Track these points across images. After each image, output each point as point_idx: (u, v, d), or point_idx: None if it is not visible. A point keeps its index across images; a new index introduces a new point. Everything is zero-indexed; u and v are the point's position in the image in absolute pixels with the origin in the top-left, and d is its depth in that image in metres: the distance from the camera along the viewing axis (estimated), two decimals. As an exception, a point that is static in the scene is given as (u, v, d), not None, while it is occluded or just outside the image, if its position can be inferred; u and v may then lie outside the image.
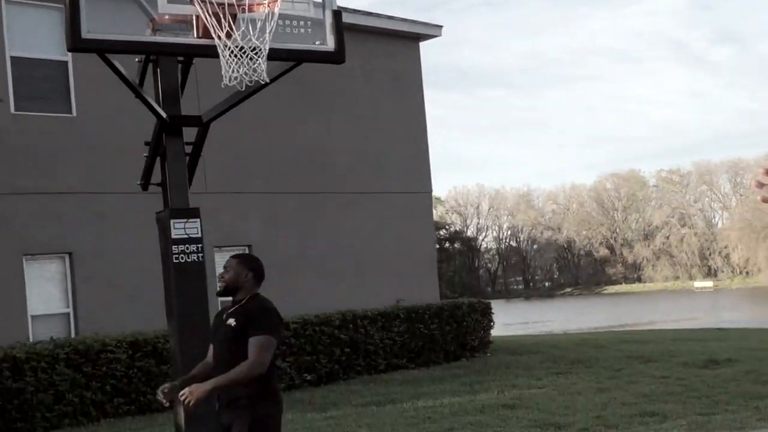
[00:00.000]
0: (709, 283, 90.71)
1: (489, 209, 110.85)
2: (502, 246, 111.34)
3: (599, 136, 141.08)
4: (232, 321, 5.01)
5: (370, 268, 17.28)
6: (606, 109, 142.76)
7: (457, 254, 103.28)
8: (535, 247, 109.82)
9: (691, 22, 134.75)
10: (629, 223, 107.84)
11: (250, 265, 5.20)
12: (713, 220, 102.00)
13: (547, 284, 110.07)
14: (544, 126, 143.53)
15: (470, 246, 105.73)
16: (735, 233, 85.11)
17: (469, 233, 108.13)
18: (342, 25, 7.62)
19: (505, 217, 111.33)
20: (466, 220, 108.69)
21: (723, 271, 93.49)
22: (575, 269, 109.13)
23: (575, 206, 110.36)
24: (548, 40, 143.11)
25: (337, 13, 7.59)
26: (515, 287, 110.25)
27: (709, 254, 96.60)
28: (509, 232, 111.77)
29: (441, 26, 18.79)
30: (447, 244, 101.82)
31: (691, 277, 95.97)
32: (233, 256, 5.33)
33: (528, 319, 55.53)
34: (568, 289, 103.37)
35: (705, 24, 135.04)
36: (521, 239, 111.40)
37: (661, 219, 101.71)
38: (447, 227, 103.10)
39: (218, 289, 5.21)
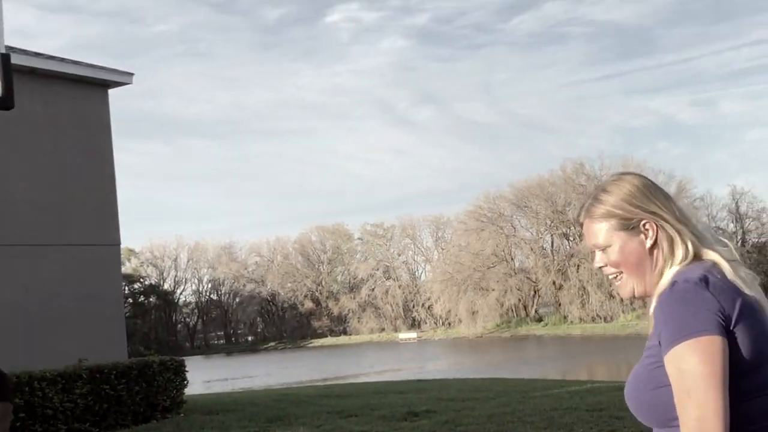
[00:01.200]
0: (413, 335, 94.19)
1: (188, 261, 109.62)
2: (203, 299, 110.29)
3: (305, 190, 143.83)
4: None
5: (50, 325, 16.61)
6: (313, 163, 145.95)
7: (154, 309, 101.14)
8: (237, 300, 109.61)
9: (395, 83, 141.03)
10: (335, 276, 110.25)
11: None
12: (417, 273, 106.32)
13: (250, 338, 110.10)
14: (248, 178, 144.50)
15: (167, 300, 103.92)
16: (437, 285, 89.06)
17: (166, 286, 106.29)
18: (11, 69, 7.24)
19: (206, 270, 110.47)
20: (163, 273, 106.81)
21: (426, 323, 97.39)
22: (280, 322, 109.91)
23: (280, 258, 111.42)
24: (255, 94, 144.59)
25: (6, 57, 7.19)
26: (216, 342, 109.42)
27: (413, 306, 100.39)
28: (210, 285, 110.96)
29: (132, 74, 18.55)
30: (142, 298, 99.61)
31: (396, 329, 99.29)
32: None
33: (229, 375, 55.16)
34: (273, 343, 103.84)
35: (407, 85, 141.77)
36: (222, 292, 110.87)
37: (366, 272, 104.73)
38: (142, 280, 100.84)
39: None
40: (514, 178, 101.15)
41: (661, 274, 2.47)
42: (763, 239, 79.17)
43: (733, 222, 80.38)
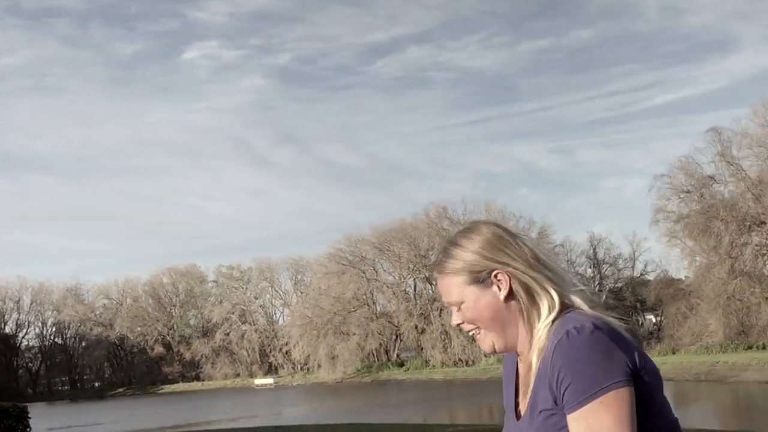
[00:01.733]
0: (270, 380, 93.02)
1: (32, 304, 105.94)
2: (46, 343, 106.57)
3: (157, 230, 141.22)
4: None
5: None
6: (166, 203, 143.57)
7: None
8: (83, 344, 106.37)
9: (254, 122, 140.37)
10: (187, 320, 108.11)
11: None
12: (274, 317, 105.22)
13: (97, 384, 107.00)
14: (98, 218, 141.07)
15: (8, 344, 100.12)
16: (296, 329, 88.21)
17: (7, 330, 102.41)
18: None
19: (50, 312, 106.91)
20: (4, 316, 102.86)
21: (284, 368, 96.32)
22: (129, 368, 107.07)
23: (129, 301, 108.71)
24: (107, 131, 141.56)
25: None
26: (61, 388, 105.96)
27: (270, 351, 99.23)
28: (54, 329, 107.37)
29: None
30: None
31: (252, 374, 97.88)
32: None
33: (74, 422, 53.16)
34: (121, 389, 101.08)
35: (267, 125, 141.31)
36: (68, 336, 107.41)
37: (221, 315, 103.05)
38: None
39: None
40: (376, 222, 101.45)
41: (532, 326, 2.38)
42: (619, 284, 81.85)
43: (591, 267, 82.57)
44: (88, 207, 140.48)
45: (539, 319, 2.36)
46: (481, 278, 2.41)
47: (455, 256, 2.45)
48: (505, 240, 2.43)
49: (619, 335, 2.26)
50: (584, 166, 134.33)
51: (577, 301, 2.37)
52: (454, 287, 2.44)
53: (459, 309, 2.46)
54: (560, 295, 2.37)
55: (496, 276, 2.39)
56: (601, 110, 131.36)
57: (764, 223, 58.27)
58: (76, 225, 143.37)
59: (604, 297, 2.46)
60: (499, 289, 2.39)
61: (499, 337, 2.43)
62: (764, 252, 59.97)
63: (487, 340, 2.44)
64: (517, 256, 2.40)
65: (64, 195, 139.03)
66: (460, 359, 77.59)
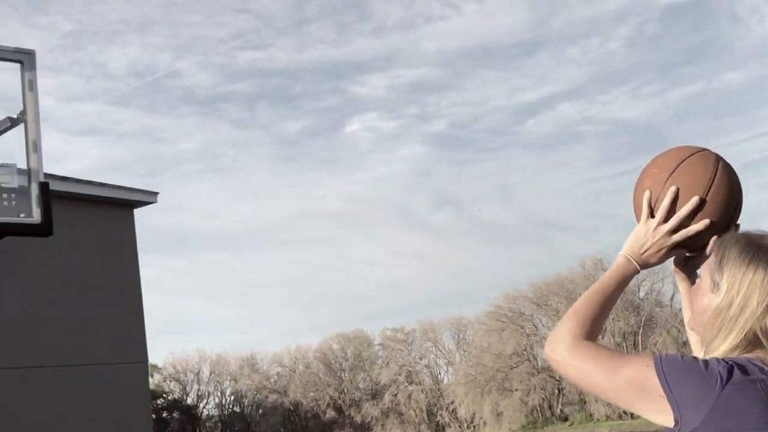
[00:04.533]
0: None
1: (211, 375, 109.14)
2: (225, 412, 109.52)
3: (325, 298, 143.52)
4: None
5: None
6: (332, 271, 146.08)
7: (177, 424, 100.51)
8: (260, 411, 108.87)
9: (413, 188, 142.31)
10: (357, 383, 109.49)
11: None
12: (439, 376, 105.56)
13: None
14: (269, 288, 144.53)
15: (191, 414, 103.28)
16: (461, 388, 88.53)
17: (189, 401, 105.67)
18: (50, 198, 7.66)
19: (228, 383, 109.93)
20: (185, 388, 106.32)
21: (451, 426, 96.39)
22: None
23: (301, 368, 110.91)
24: (275, 205, 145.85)
25: (45, 185, 7.62)
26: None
27: (437, 410, 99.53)
28: (232, 398, 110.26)
29: (157, 193, 19.00)
30: (165, 414, 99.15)
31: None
32: None
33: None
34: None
35: (426, 189, 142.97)
36: (245, 404, 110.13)
37: (388, 377, 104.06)
38: (165, 396, 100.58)
39: None
40: (532, 277, 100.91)
41: None
42: None
43: None
44: (260, 279, 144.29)
45: None
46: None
47: None
48: None
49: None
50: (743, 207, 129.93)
51: None
52: None
53: None
54: None
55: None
56: (754, 151, 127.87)
57: None
58: (249, 296, 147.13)
59: None
60: None
61: None
62: None
63: None
64: None
65: (237, 268, 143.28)
66: (624, 412, 76.29)
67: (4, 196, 7.49)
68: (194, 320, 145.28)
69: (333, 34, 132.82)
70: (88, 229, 17.76)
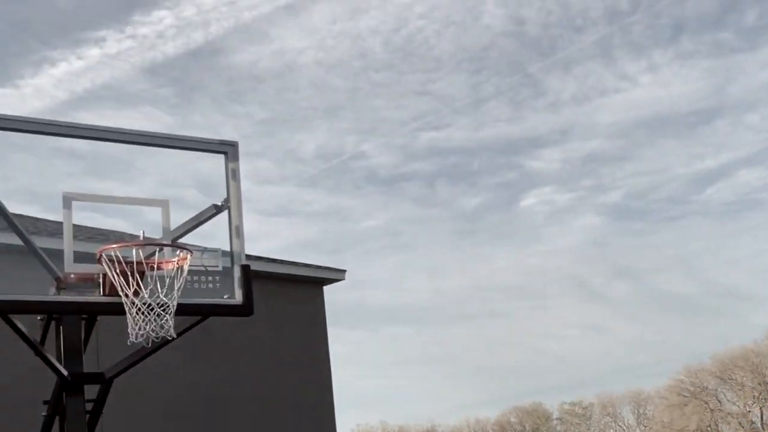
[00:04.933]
0: None
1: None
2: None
3: (502, 370, 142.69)
4: None
5: None
6: (509, 343, 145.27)
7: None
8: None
9: (588, 259, 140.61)
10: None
11: None
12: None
13: None
14: (448, 361, 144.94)
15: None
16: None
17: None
18: (250, 279, 8.00)
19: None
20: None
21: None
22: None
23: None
24: (453, 279, 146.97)
25: (246, 268, 7.99)
26: None
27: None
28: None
29: (344, 270, 19.50)
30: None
31: None
32: None
33: None
34: None
35: (601, 261, 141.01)
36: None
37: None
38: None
39: None
40: (715, 349, 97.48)
41: None
42: None
43: None
44: (439, 352, 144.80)
45: None
46: None
47: None
48: None
49: None
50: None
51: None
52: None
53: None
54: None
55: None
56: None
57: None
58: (429, 369, 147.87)
59: None
60: None
61: None
62: None
63: None
64: None
65: (417, 342, 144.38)
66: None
67: (209, 278, 7.86)
68: (377, 392, 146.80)
69: (509, 111, 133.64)
70: (281, 306, 18.32)
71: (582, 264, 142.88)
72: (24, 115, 7.39)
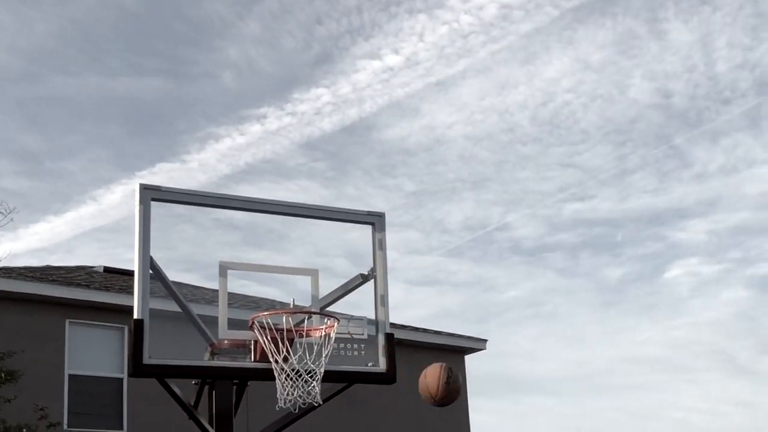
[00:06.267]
0: None
1: None
2: None
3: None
4: None
5: None
6: (653, 417, 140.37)
7: None
8: None
9: (735, 333, 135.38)
10: None
11: None
12: None
13: None
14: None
15: None
16: None
17: None
18: (394, 347, 8.03)
19: None
20: None
21: None
22: None
23: None
24: (596, 351, 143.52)
25: (390, 336, 8.02)
26: None
27: None
28: None
29: (485, 340, 19.41)
30: None
31: None
32: None
33: None
34: None
35: (749, 335, 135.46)
36: None
37: None
38: None
39: None
40: None
41: None
42: None
43: None
44: (582, 424, 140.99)
45: None
46: None
47: None
48: None
49: None
50: None
51: None
52: None
53: None
54: None
55: None
56: None
57: None
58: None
59: None
60: None
61: None
62: None
63: None
64: None
65: (559, 413, 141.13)
66: None
67: (355, 346, 7.91)
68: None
69: (655, 182, 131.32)
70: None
71: (728, 338, 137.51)
72: (190, 188, 7.65)
